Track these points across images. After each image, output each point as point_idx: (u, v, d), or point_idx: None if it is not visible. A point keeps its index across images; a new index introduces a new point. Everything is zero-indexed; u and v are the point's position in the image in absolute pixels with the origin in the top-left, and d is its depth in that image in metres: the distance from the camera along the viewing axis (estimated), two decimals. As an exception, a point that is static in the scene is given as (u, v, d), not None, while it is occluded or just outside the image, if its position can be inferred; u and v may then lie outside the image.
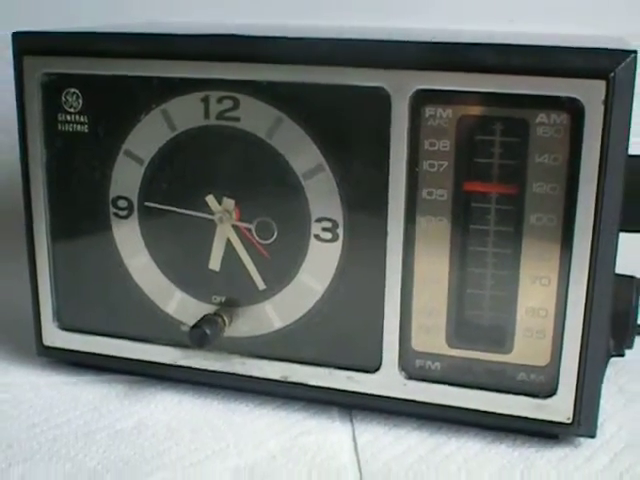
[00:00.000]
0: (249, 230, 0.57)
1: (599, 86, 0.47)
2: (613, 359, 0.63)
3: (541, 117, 0.50)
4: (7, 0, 0.89)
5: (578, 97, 0.48)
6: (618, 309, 0.58)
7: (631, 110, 0.48)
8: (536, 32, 0.65)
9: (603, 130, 0.48)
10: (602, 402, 0.57)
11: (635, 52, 0.48)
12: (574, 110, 0.48)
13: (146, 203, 0.58)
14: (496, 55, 0.50)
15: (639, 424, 0.57)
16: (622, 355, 0.60)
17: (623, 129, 0.48)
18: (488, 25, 0.77)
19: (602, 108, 0.48)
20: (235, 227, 0.57)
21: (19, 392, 0.61)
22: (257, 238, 0.57)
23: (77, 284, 0.62)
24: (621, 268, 0.57)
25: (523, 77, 0.49)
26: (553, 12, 0.86)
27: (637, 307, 0.60)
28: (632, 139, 0.50)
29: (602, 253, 0.50)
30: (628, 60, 0.47)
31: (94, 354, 0.62)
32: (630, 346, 0.60)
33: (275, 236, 0.56)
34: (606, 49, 0.48)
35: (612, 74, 0.47)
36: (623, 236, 0.53)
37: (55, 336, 0.63)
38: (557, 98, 0.49)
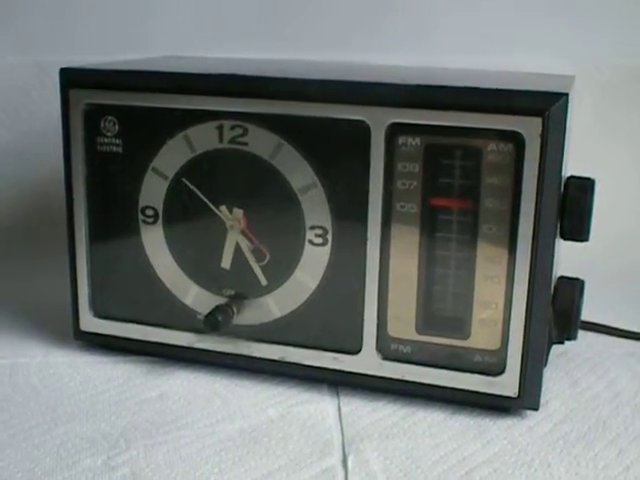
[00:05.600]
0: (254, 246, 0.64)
1: (536, 122, 0.55)
2: (564, 351, 0.70)
3: (491, 146, 0.57)
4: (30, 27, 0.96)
5: (520, 131, 0.55)
6: (563, 305, 0.63)
7: (564, 141, 0.55)
8: (496, 69, 0.72)
9: (540, 158, 0.55)
10: (550, 384, 0.65)
11: (566, 94, 0.55)
12: (517, 141, 0.56)
13: (182, 179, 0.64)
14: (455, 96, 0.57)
15: (577, 402, 0.64)
16: (562, 343, 0.65)
17: (557, 157, 0.55)
18: (463, 55, 0.85)
19: (539, 140, 0.55)
20: (243, 233, 0.64)
21: (61, 369, 0.67)
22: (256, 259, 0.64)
23: (110, 279, 0.68)
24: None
25: (477, 114, 0.56)
26: (521, 44, 0.94)
27: (580, 304, 0.64)
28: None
29: (540, 257, 0.57)
30: (561, 101, 0.55)
31: (123, 338, 0.68)
32: (574, 337, 0.65)
33: (268, 258, 0.63)
34: (543, 92, 0.56)
35: (547, 112, 0.54)
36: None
37: (90, 323, 0.69)
38: (504, 131, 0.56)
